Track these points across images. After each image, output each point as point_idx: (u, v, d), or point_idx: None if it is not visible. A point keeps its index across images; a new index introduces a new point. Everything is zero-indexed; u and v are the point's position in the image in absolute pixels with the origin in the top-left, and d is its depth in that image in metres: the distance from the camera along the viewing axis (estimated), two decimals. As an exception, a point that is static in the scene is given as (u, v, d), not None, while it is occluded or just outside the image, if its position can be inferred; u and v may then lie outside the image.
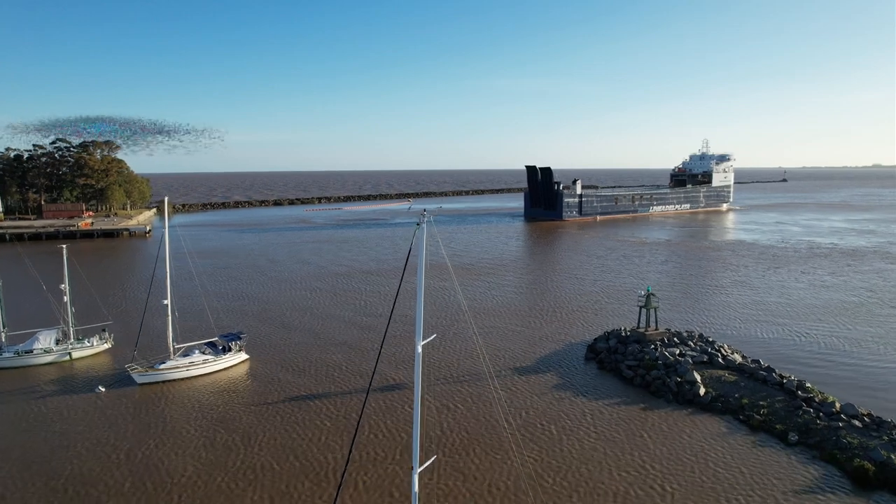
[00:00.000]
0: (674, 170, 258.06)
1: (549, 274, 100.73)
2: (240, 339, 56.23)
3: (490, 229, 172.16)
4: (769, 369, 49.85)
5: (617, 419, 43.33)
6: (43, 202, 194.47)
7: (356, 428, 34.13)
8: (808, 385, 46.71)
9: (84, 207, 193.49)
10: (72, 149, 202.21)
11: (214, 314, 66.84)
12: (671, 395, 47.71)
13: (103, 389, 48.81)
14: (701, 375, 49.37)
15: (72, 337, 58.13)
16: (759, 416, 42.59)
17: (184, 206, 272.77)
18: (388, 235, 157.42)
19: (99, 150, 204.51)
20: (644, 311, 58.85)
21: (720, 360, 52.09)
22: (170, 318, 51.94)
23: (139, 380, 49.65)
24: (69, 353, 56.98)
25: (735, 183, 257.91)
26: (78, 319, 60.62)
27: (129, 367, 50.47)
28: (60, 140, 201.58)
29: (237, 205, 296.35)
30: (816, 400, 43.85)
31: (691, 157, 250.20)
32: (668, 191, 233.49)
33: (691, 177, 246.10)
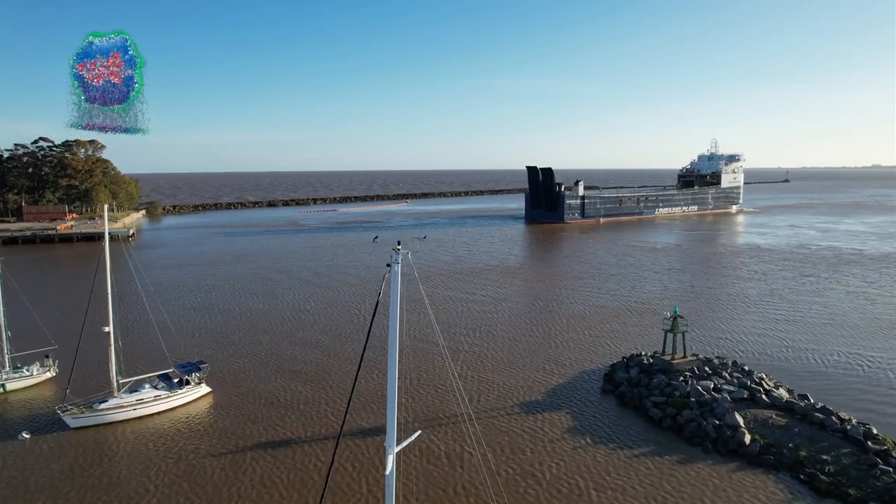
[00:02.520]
0: (681, 170, 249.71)
1: (554, 283, 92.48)
2: (200, 369, 48.08)
3: (492, 232, 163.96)
4: (826, 410, 41.74)
5: (659, 478, 35.17)
6: (24, 204, 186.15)
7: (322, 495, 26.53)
8: (877, 433, 38.69)
9: (67, 209, 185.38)
10: (55, 148, 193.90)
11: (170, 338, 58.62)
12: (709, 442, 39.68)
13: (27, 436, 40.68)
14: (744, 418, 41.32)
15: (7, 365, 50.11)
16: (825, 477, 34.52)
17: (174, 207, 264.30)
18: (386, 239, 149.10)
19: (83, 150, 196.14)
20: (670, 335, 50.89)
21: (763, 396, 44.01)
22: (112, 347, 43.73)
23: (73, 423, 41.47)
24: (2, 385, 48.96)
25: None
26: (18, 344, 52.56)
27: (59, 407, 42.18)
28: (43, 139, 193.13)
29: (229, 206, 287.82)
30: (894, 455, 35.79)
31: (699, 158, 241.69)
32: (674, 192, 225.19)
33: (699, 177, 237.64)
